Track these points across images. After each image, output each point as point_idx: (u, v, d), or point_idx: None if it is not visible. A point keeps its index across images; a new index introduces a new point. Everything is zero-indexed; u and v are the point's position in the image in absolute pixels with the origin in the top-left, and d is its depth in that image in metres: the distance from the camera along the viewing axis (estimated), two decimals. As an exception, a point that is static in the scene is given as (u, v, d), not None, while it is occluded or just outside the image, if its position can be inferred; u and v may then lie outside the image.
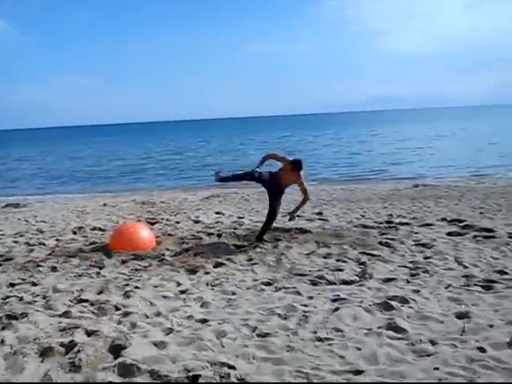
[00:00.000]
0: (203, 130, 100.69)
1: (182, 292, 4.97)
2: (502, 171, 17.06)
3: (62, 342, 3.61)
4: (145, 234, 6.97)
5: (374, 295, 4.59)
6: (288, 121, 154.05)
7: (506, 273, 5.18)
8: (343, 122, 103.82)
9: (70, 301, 4.72)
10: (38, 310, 4.43)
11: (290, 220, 7.17)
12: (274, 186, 6.89)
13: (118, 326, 4.03)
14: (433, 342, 3.50)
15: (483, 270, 5.33)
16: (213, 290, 5.04)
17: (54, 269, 5.95)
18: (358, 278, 5.22)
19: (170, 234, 7.86)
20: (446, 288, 4.78)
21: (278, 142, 44.52)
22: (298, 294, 4.76)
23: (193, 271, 5.71)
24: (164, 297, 4.81)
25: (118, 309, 4.46)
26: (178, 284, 5.26)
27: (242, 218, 9.34)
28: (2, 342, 3.70)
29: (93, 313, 4.38)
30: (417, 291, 4.68)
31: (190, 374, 3.10)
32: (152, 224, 8.87)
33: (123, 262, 6.17)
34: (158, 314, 4.32)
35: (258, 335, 3.77)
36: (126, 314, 4.31)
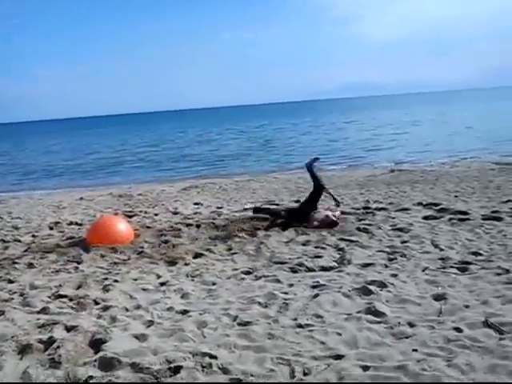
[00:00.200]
0: (180, 120, 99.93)
1: (162, 284, 4.96)
2: (477, 154, 17.34)
3: (41, 339, 3.57)
4: (123, 227, 6.92)
5: (353, 280, 4.64)
6: (265, 109, 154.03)
7: (480, 254, 5.30)
8: (320, 110, 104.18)
9: (48, 297, 4.66)
10: (15, 308, 4.37)
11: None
12: None
13: (98, 320, 4.00)
14: (411, 325, 3.56)
15: (459, 252, 5.44)
16: (193, 280, 5.03)
17: (30, 265, 5.87)
18: (336, 264, 5.28)
19: (148, 227, 7.80)
20: (423, 271, 4.87)
21: (257, 130, 44.43)
22: (278, 281, 4.79)
23: (172, 263, 5.69)
24: (144, 289, 4.79)
25: (97, 303, 4.43)
26: (158, 276, 5.24)
27: (220, 208, 9.32)
28: (-20, 341, 3.64)
29: (72, 308, 4.34)
30: (395, 275, 4.76)
31: (172, 365, 3.10)
32: (130, 217, 8.79)
33: (101, 256, 6.11)
34: (138, 307, 4.29)
35: (239, 324, 3.78)
36: (106, 308, 4.28)
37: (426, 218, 7.25)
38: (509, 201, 8.05)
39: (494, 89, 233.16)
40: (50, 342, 3.49)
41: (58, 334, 3.65)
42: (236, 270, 5.31)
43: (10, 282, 5.28)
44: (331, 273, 5.00)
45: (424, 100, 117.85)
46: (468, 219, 6.93)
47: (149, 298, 4.53)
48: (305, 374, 2.96)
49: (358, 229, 6.73)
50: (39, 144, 49.46)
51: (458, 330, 3.40)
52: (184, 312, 4.10)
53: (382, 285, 4.43)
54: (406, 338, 3.36)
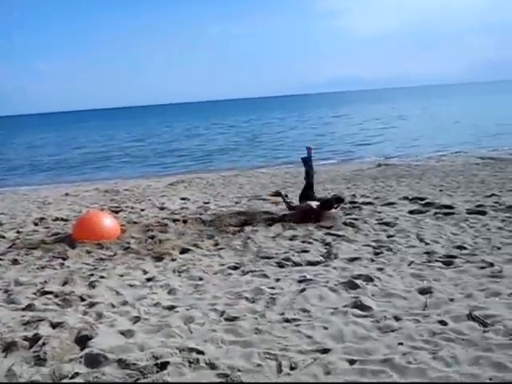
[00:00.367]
0: (167, 115, 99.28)
1: (149, 280, 4.94)
2: (463, 149, 17.47)
3: (26, 336, 3.54)
4: (109, 222, 6.87)
5: (340, 275, 4.67)
6: (252, 103, 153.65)
7: (465, 248, 5.36)
8: (307, 104, 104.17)
9: (34, 293, 4.62)
10: (0, 305, 4.32)
11: None
12: None
13: (84, 316, 3.98)
14: (397, 318, 3.60)
15: (444, 246, 5.49)
16: (180, 276, 5.02)
17: (15, 261, 5.81)
18: (323, 259, 5.30)
19: (134, 222, 7.76)
20: (408, 265, 4.91)
21: (245, 125, 44.33)
22: (265, 276, 4.80)
23: (159, 258, 5.67)
24: (130, 285, 4.77)
25: (83, 299, 4.40)
26: (145, 272, 5.22)
27: (207, 203, 9.29)
28: (-37, 339, 3.60)
29: (57, 305, 4.31)
30: (381, 269, 4.80)
31: (159, 361, 3.09)
32: (116, 212, 8.73)
33: (87, 252, 6.06)
34: (125, 303, 4.28)
35: (226, 319, 3.78)
36: (92, 305, 4.25)
37: (411, 212, 7.31)
38: (493, 195, 8.14)
39: (487, 83, 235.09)
40: (35, 339, 3.47)
41: (44, 330, 3.63)
42: (223, 265, 5.31)
43: (-5, 278, 5.22)
44: (318, 267, 5.02)
45: (414, 94, 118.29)
46: (453, 213, 6.99)
47: (135, 293, 4.51)
48: (292, 369, 2.98)
49: (345, 223, 6.76)
50: (27, 138, 48.86)
51: (443, 323, 3.44)
52: (171, 308, 4.09)
53: (368, 279, 4.46)
54: (392, 331, 3.39)
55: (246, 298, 4.18)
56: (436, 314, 3.61)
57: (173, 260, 5.59)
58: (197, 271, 5.12)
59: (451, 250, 5.32)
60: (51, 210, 9.60)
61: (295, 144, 23.72)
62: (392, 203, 8.03)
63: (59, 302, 4.34)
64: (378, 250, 5.48)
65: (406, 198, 8.37)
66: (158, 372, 3.00)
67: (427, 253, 5.27)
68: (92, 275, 5.10)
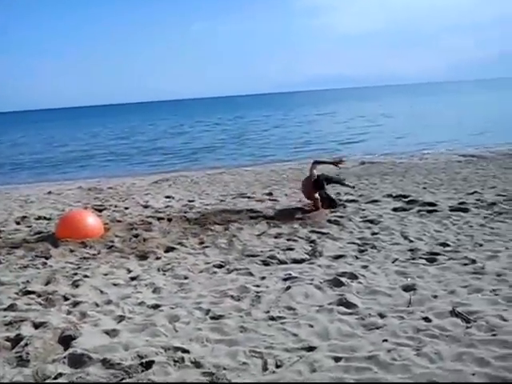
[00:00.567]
0: (151, 112, 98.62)
1: (133, 278, 4.91)
2: (446, 147, 17.64)
3: (8, 337, 3.49)
4: (92, 221, 6.79)
5: (325, 272, 4.69)
6: (236, 101, 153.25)
7: (448, 245, 5.43)
8: (291, 102, 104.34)
9: (16, 293, 4.56)
10: (-19, 305, 4.26)
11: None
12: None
13: (68, 316, 3.93)
14: (381, 315, 3.63)
15: (427, 243, 5.55)
16: (164, 275, 5.00)
17: (-4, 261, 5.72)
18: (308, 257, 5.32)
19: (118, 221, 7.69)
20: (392, 262, 4.95)
21: (230, 123, 44.22)
22: (250, 274, 4.80)
23: (143, 257, 5.63)
24: (114, 284, 4.73)
25: (66, 299, 4.36)
26: (129, 271, 5.18)
27: (192, 201, 9.25)
28: None
29: (40, 304, 4.26)
30: (365, 267, 4.83)
31: (144, 360, 3.07)
32: (100, 211, 8.65)
33: (71, 250, 5.99)
34: (109, 302, 4.24)
35: (212, 318, 3.78)
36: (76, 304, 4.21)
37: (395, 209, 7.37)
38: (475, 192, 8.25)
39: (477, 81, 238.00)
40: (17, 340, 3.43)
41: (26, 331, 3.58)
42: (208, 263, 5.29)
43: (-24, 278, 5.13)
44: (303, 265, 5.04)
45: (401, 92, 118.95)
46: (436, 211, 7.07)
47: (120, 292, 4.48)
48: (277, 367, 2.98)
49: (329, 221, 6.80)
50: (6, 137, 48.13)
51: (427, 319, 3.48)
52: (155, 306, 4.07)
53: (353, 276, 4.49)
54: (377, 328, 3.42)
55: (232, 297, 4.18)
56: (420, 311, 3.65)
57: (157, 258, 5.56)
58: (182, 270, 5.10)
59: (434, 247, 5.38)
60: (34, 209, 9.46)
61: (281, 142, 23.75)
62: (376, 201, 8.09)
63: (42, 302, 4.29)
64: (362, 248, 5.52)
65: (389, 196, 8.44)
66: (143, 371, 2.98)
67: (411, 250, 5.32)
68: (75, 274, 5.04)
